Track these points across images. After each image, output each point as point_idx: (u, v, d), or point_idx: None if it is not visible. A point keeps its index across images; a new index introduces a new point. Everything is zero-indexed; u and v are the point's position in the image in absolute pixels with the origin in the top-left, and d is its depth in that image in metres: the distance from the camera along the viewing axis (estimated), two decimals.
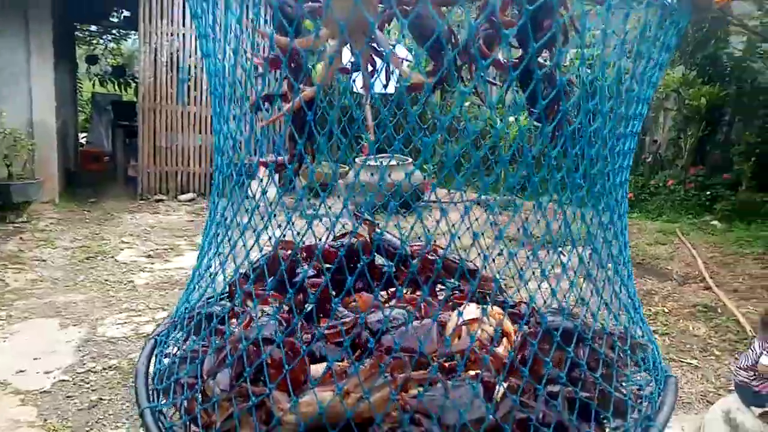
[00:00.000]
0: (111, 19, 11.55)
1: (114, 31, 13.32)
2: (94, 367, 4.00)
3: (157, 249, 6.65)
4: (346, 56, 1.13)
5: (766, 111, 9.00)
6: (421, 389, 0.66)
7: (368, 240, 1.13)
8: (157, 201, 8.95)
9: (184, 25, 8.83)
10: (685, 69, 9.66)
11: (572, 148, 1.00)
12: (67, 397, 3.62)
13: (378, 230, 1.22)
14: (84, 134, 12.87)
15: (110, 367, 4.03)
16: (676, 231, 8.04)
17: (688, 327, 5.25)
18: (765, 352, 3.03)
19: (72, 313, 4.88)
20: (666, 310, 5.57)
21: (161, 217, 8.13)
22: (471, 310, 0.96)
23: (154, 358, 0.95)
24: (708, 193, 9.23)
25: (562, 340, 0.71)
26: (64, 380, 3.81)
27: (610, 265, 0.83)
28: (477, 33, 0.99)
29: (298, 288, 0.96)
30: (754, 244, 7.64)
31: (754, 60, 9.13)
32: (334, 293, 1.08)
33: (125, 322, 4.74)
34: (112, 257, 6.33)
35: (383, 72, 1.14)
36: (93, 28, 12.99)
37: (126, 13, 11.05)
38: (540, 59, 1.15)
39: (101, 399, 3.61)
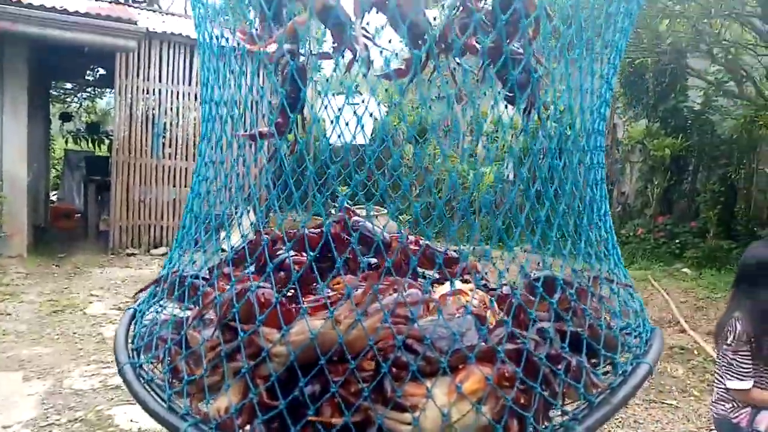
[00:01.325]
0: (86, 77, 11.66)
1: (89, 89, 13.41)
2: (58, 420, 3.81)
3: (127, 302, 6.48)
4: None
5: (726, 161, 9.36)
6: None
7: (346, 223, 1.13)
8: (129, 255, 8.79)
9: (159, 81, 8.95)
10: (648, 122, 10.07)
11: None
12: None
13: (356, 217, 1.22)
14: (55, 192, 12.72)
15: (76, 419, 3.84)
16: (648, 278, 8.15)
17: (666, 368, 5.25)
18: (728, 376, 2.99)
19: (37, 366, 4.68)
20: None
21: (132, 272, 7.96)
22: (446, 286, 0.96)
23: (133, 326, 0.92)
24: (677, 241, 9.44)
25: (547, 286, 0.71)
26: None
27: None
28: (454, 21, 1.04)
29: (279, 266, 0.95)
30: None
31: (712, 113, 9.57)
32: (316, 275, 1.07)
33: (93, 374, 4.57)
34: (81, 310, 6.14)
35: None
36: (68, 85, 13.08)
37: (102, 71, 11.18)
38: (514, 46, 1.20)
39: None
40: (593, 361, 0.73)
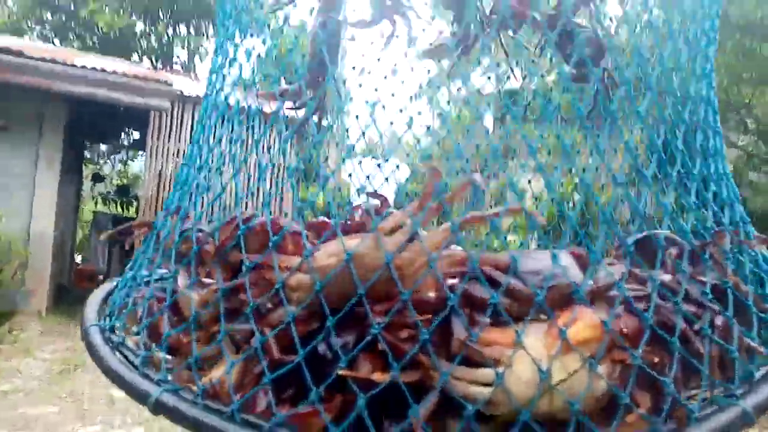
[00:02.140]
0: (120, 140, 11.96)
1: (122, 152, 13.74)
2: None
3: None
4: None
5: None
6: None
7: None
8: None
9: (190, 143, 9.08)
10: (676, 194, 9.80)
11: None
12: None
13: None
14: (80, 254, 12.78)
15: None
16: None
17: None
18: None
19: (42, 425, 4.44)
20: None
21: None
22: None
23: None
24: None
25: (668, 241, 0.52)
26: None
27: None
28: None
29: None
30: None
31: (742, 190, 9.29)
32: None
33: None
34: (93, 369, 5.93)
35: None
36: (102, 147, 13.42)
37: (135, 135, 11.46)
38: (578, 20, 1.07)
39: None
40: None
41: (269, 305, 0.49)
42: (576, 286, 0.45)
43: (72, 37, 14.27)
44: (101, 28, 13.03)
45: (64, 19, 14.00)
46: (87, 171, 13.68)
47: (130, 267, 0.73)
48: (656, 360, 0.43)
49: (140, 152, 12.46)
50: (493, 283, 0.44)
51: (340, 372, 0.43)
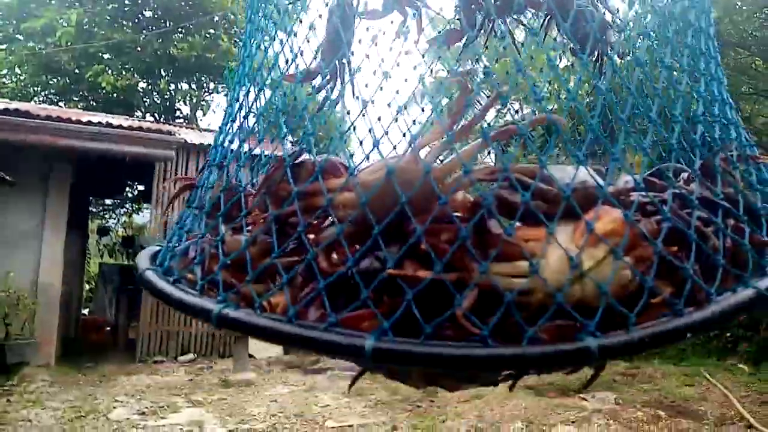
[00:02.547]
0: (126, 193, 12.09)
1: (127, 205, 13.84)
2: None
3: (152, 407, 6.19)
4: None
5: None
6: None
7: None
8: (156, 362, 8.56)
9: None
10: None
11: None
12: None
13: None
14: (87, 306, 12.75)
15: None
16: (702, 372, 7.56)
17: None
18: None
19: None
20: None
21: (159, 378, 7.70)
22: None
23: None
24: (729, 334, 8.84)
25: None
26: None
27: None
28: None
29: None
30: None
31: None
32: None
33: None
34: (104, 415, 5.86)
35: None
36: (108, 202, 13.52)
37: (140, 188, 11.59)
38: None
39: None
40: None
41: (317, 230, 0.54)
42: (600, 187, 0.49)
43: (76, 99, 14.60)
44: (104, 89, 13.33)
45: (68, 81, 14.35)
46: (92, 225, 13.76)
47: (178, 220, 0.77)
48: (675, 250, 0.48)
49: (144, 205, 12.56)
50: (524, 187, 0.49)
51: (388, 272, 0.47)
